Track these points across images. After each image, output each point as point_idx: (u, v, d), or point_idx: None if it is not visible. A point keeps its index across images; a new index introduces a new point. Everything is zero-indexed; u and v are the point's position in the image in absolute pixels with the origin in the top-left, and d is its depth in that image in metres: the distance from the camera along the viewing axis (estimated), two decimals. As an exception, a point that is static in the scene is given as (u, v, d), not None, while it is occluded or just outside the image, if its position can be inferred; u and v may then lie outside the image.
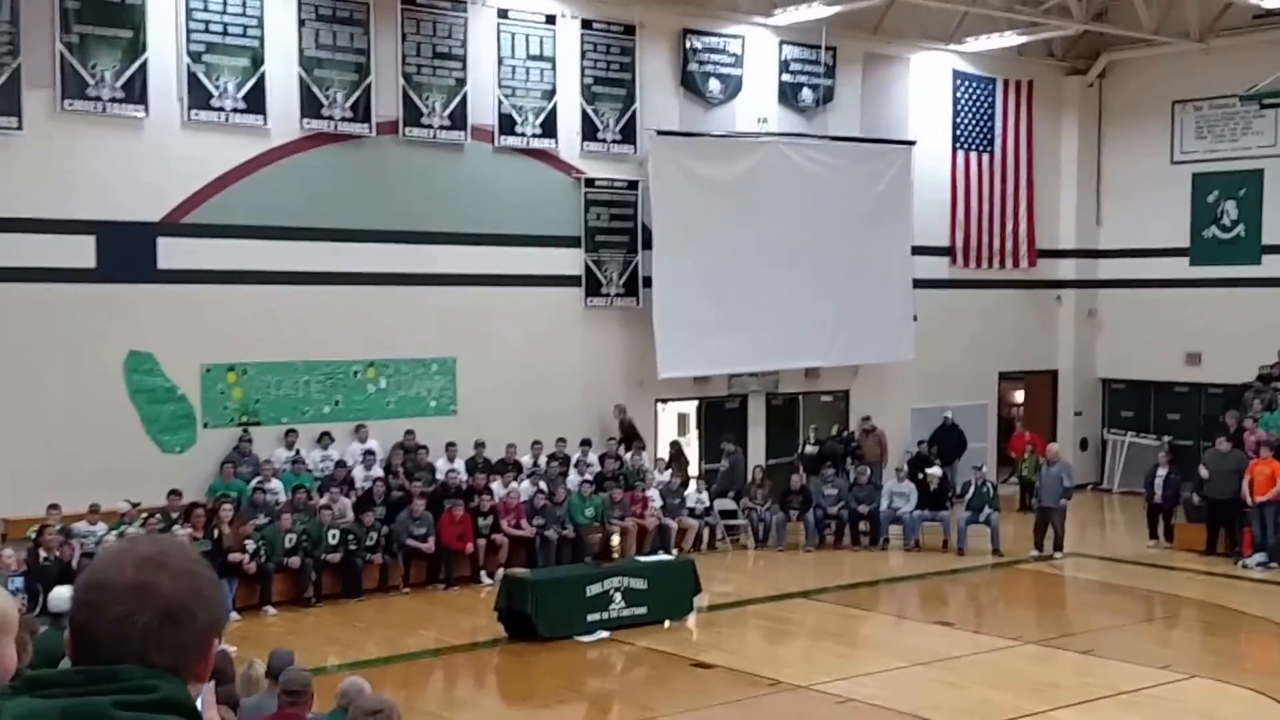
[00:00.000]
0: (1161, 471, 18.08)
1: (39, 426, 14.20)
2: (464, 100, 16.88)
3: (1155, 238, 22.43)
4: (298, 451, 15.74)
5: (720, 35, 19.22)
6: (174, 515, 14.00)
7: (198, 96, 15.02)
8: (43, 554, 12.24)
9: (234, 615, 13.50)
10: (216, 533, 13.63)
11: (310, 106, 15.79)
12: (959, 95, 21.97)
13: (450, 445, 16.65)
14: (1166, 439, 21.34)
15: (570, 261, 18.06)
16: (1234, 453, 17.29)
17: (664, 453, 18.90)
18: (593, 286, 18.24)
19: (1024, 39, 21.44)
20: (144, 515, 13.64)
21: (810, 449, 19.83)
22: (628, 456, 17.83)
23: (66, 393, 14.40)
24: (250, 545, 14.03)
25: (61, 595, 8.76)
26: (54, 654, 6.29)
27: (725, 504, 18.36)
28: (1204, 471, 17.39)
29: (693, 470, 19.08)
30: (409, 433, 16.55)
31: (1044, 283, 23.17)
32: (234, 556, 13.78)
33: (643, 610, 13.52)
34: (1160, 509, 18.06)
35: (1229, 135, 21.79)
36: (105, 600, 1.76)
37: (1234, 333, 21.13)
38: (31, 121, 14.06)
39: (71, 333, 14.45)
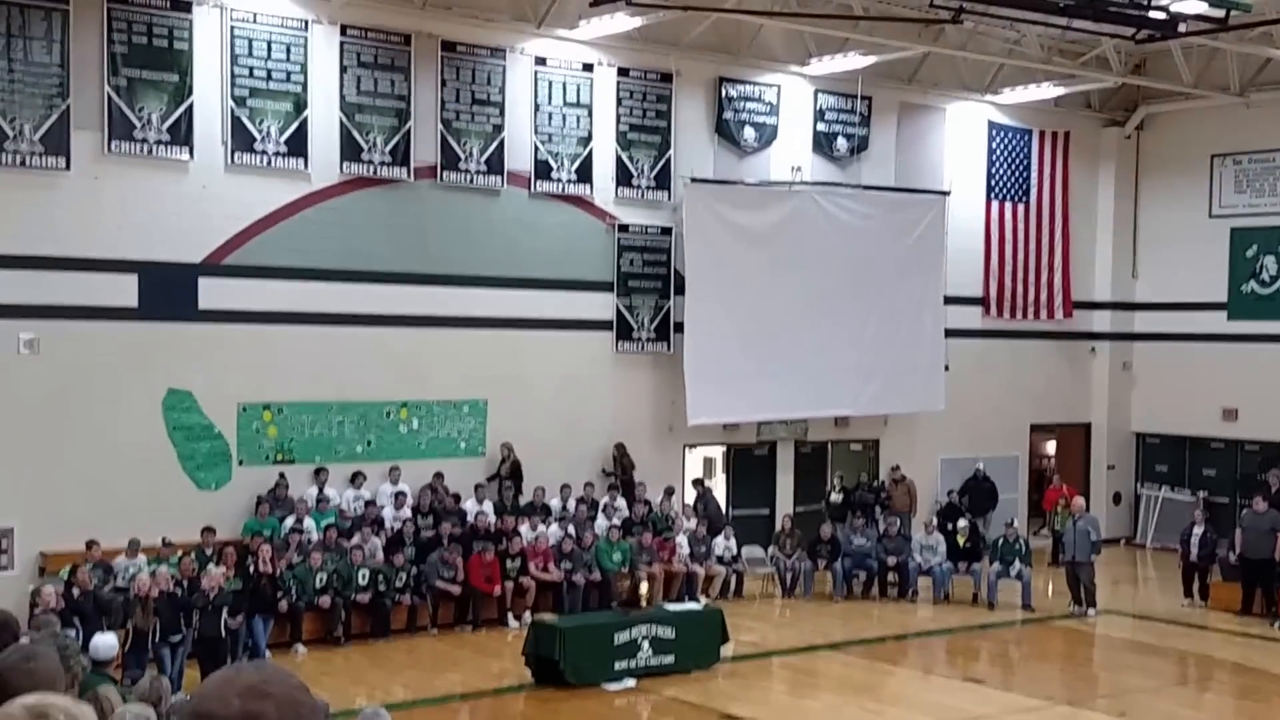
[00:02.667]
0: (1197, 530, 17.87)
1: (78, 461, 14.40)
2: (501, 146, 17.09)
3: (1192, 291, 22.28)
4: (321, 489, 15.85)
5: (756, 84, 19.37)
6: (208, 552, 14.11)
7: (241, 140, 15.29)
8: (76, 591, 12.35)
9: (267, 654, 13.59)
10: (251, 570, 13.73)
11: (350, 151, 16.03)
12: (994, 145, 22.00)
13: (479, 487, 16.72)
14: (1202, 494, 21.12)
15: (602, 306, 18.17)
16: (1270, 512, 17.09)
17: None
18: (624, 331, 18.33)
19: (1061, 90, 21.45)
20: (180, 554, 13.76)
21: (835, 497, 19.77)
22: (657, 502, 17.83)
23: (106, 428, 14.60)
24: (284, 584, 14.13)
25: (105, 643, 8.81)
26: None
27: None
28: (1239, 534, 17.19)
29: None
30: (438, 475, 16.63)
31: (1078, 334, 23.05)
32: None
33: (670, 659, 13.49)
34: (1195, 567, 17.84)
35: (1269, 190, 21.66)
36: None
37: (1272, 389, 20.91)
38: (79, 162, 14.36)
39: (112, 370, 14.67)
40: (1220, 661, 15.15)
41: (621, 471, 17.83)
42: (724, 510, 18.98)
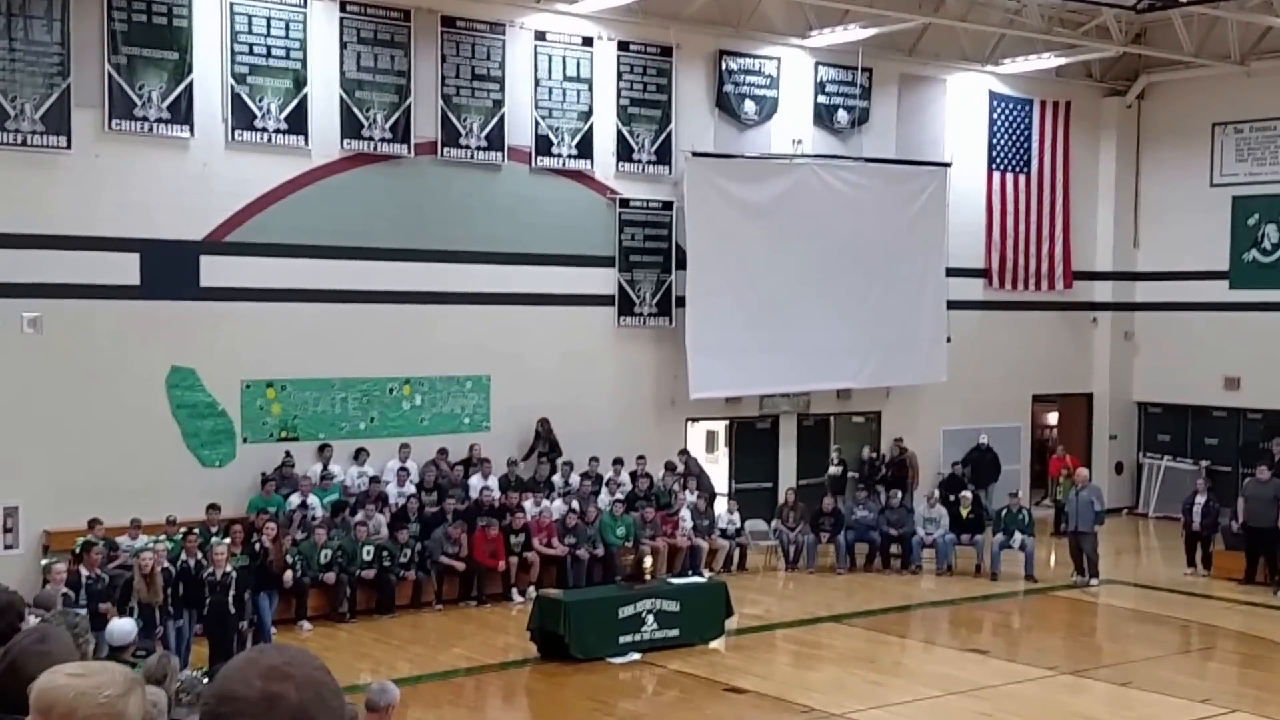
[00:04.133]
0: (1200, 499, 17.92)
1: (82, 440, 14.43)
2: (501, 121, 17.04)
3: (1194, 261, 22.27)
4: (325, 465, 15.90)
5: (756, 57, 19.29)
6: (213, 530, 14.17)
7: (241, 117, 15.26)
8: (84, 571, 12.40)
9: (272, 630, 13.67)
10: (258, 547, 13.78)
11: (351, 127, 15.99)
12: (995, 116, 21.93)
13: (484, 462, 16.78)
14: (1204, 464, 21.17)
15: (604, 281, 18.17)
16: (1273, 481, 17.14)
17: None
18: (626, 306, 18.34)
19: (1062, 60, 21.37)
20: (184, 531, 13.82)
21: (835, 469, 19.83)
22: (658, 477, 17.86)
23: (109, 407, 14.63)
24: (289, 560, 14.19)
25: (123, 628, 8.84)
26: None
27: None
28: (1241, 503, 17.25)
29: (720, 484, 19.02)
30: (441, 451, 16.68)
31: (1080, 305, 23.05)
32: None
33: (675, 632, 13.57)
34: (1198, 536, 17.91)
35: (1270, 158, 21.62)
36: (235, 712, 1.82)
37: (1274, 357, 20.93)
38: (80, 141, 14.34)
39: (115, 348, 14.69)
40: (1223, 630, 15.22)
41: (549, 448, 17.43)
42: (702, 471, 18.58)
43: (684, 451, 18.52)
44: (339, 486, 15.81)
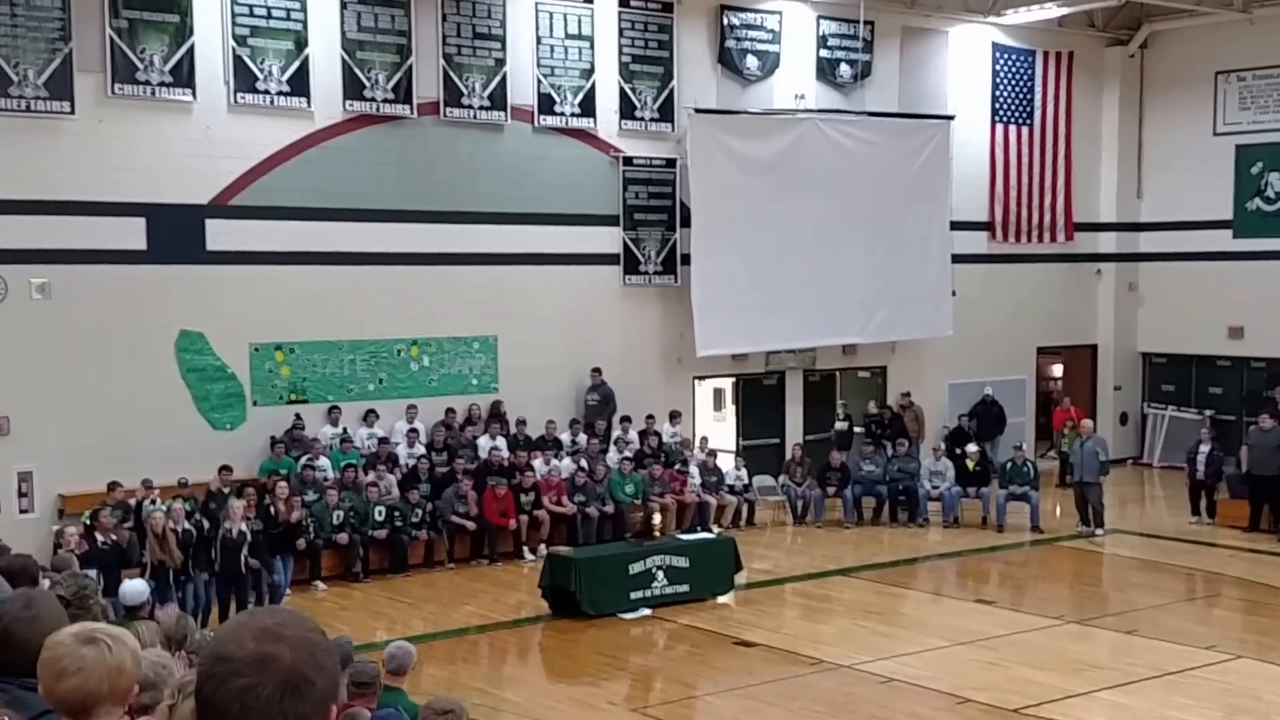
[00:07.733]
0: (1204, 448, 18.03)
1: (94, 405, 14.51)
2: (503, 80, 16.97)
3: (1197, 210, 22.23)
4: (345, 430, 15.99)
5: (758, 11, 19.17)
6: (225, 491, 14.27)
7: (243, 80, 15.20)
8: (99, 537, 12.51)
9: (286, 591, 13.81)
10: (272, 510, 13.88)
11: (353, 88, 15.93)
12: (998, 68, 21.81)
13: (492, 423, 16.85)
14: (1208, 413, 21.26)
15: (609, 240, 18.16)
16: (1277, 429, 17.22)
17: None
18: (631, 265, 18.34)
19: (1064, 10, 21.22)
20: (194, 497, 13.90)
21: (840, 425, 19.92)
22: (666, 431, 17.96)
23: (120, 371, 14.70)
24: (301, 521, 14.30)
25: (135, 588, 8.96)
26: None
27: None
28: (1245, 451, 17.35)
29: (728, 445, 19.16)
30: (450, 411, 16.76)
31: (1084, 256, 23.04)
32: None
33: (685, 588, 13.70)
34: (1202, 485, 18.03)
35: (1273, 106, 21.53)
36: (229, 673, 1.85)
37: (1278, 306, 20.97)
38: (83, 106, 14.30)
39: (124, 313, 14.74)
40: (1228, 578, 15.36)
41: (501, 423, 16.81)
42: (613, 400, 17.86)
43: (596, 370, 17.68)
44: (356, 452, 15.86)
